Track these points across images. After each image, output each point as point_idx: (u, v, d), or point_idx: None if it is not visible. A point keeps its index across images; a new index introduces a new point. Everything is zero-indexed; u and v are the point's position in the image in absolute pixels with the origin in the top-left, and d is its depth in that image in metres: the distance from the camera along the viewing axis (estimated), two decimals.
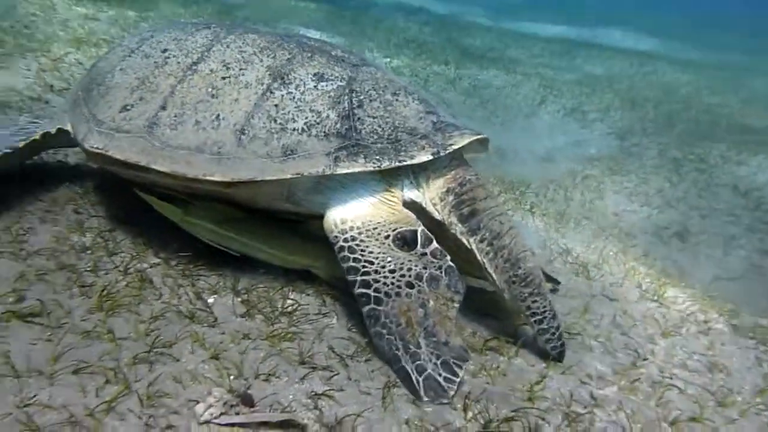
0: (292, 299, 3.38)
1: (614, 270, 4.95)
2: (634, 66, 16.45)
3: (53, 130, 3.84)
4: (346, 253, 3.25)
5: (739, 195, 7.51)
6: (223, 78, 3.54)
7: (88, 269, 3.23)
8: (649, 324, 4.15)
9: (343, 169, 3.21)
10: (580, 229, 5.81)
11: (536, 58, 15.56)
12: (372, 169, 3.23)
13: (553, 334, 3.31)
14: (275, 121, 3.34)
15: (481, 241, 3.42)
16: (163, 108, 3.50)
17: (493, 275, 3.41)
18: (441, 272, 3.21)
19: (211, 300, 3.24)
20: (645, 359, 3.68)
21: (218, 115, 3.40)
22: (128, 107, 3.58)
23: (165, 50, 3.83)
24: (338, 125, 3.32)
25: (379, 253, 3.24)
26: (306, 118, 3.34)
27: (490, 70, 12.80)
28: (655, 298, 4.56)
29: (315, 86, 3.47)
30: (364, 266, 3.19)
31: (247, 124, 3.34)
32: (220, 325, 3.04)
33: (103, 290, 3.05)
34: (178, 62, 3.70)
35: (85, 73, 4.23)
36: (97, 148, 3.50)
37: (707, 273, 5.44)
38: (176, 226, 3.53)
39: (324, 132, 3.30)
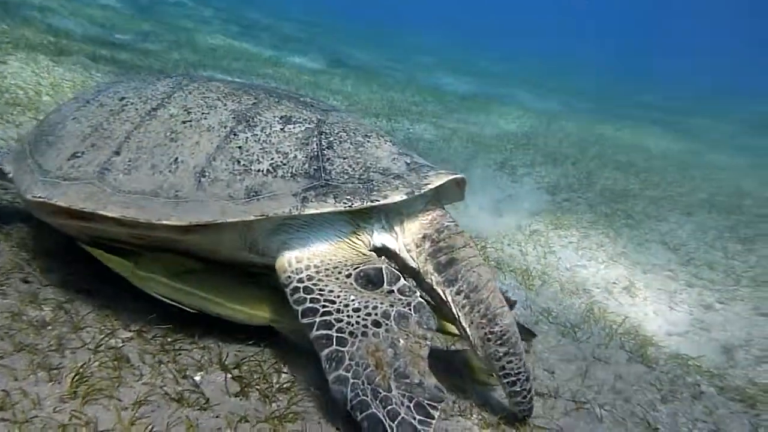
0: (286, 372, 3.11)
1: (594, 330, 4.97)
2: (543, 124, 16.96)
3: None
4: (301, 294, 2.99)
5: (670, 251, 7.78)
6: (184, 122, 3.35)
7: (52, 349, 2.83)
8: (646, 390, 4.14)
9: (311, 210, 3.01)
10: (546, 286, 5.81)
11: (455, 113, 15.78)
12: (342, 209, 3.04)
13: (524, 397, 3.13)
14: (238, 162, 3.16)
15: (458, 293, 3.23)
16: (117, 153, 3.27)
17: (468, 330, 3.21)
18: (410, 309, 2.96)
19: (197, 377, 2.91)
20: (656, 429, 3.64)
21: (176, 158, 3.19)
22: (78, 154, 3.34)
23: (123, 98, 3.63)
24: (306, 165, 3.16)
25: (340, 292, 3.00)
26: (272, 159, 3.17)
27: (420, 123, 12.93)
28: (640, 359, 4.58)
29: (282, 128, 3.32)
30: (324, 306, 2.93)
31: (208, 166, 3.15)
32: (213, 408, 2.71)
33: (74, 374, 2.65)
34: (136, 109, 3.50)
35: (34, 126, 4.02)
36: (39, 197, 3.21)
37: (661, 328, 5.57)
38: (144, 294, 3.22)
39: (291, 172, 3.13)
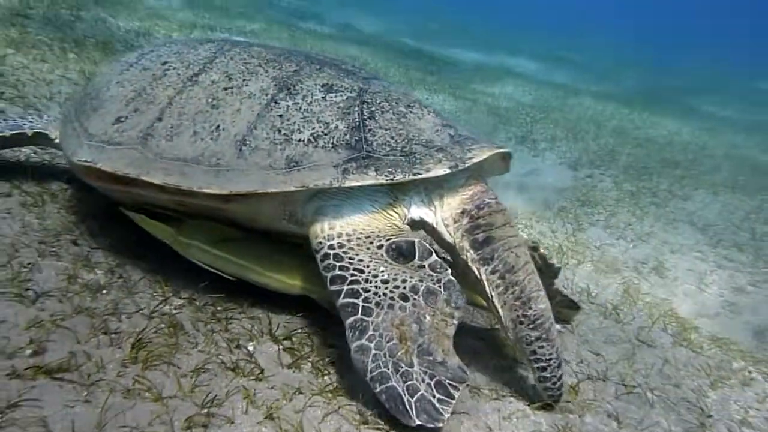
0: (334, 346, 3.07)
1: (634, 311, 4.87)
2: (559, 98, 16.72)
3: (30, 133, 3.75)
4: (331, 260, 2.94)
5: (698, 231, 7.67)
6: (225, 89, 3.31)
7: (109, 313, 2.84)
8: (694, 375, 4.03)
9: (352, 182, 2.95)
10: (582, 266, 5.72)
11: (471, 84, 15.59)
12: (384, 182, 2.97)
13: (554, 383, 3.03)
14: (279, 131, 3.11)
15: (493, 272, 3.11)
16: (159, 119, 3.25)
17: (500, 311, 3.11)
18: (439, 286, 2.86)
19: (250, 347, 2.92)
20: (710, 416, 3.55)
21: (218, 126, 3.16)
22: (122, 119, 3.33)
23: (165, 63, 3.59)
24: (347, 136, 3.09)
25: (370, 262, 2.94)
26: (313, 129, 3.11)
27: (439, 93, 12.77)
28: (685, 343, 4.49)
29: (323, 97, 3.25)
30: (352, 275, 2.88)
31: (249, 134, 3.11)
32: (268, 379, 2.72)
33: (134, 339, 2.67)
34: (178, 74, 3.47)
35: (80, 89, 4.00)
36: (84, 161, 3.23)
37: (691, 310, 5.48)
38: (187, 260, 3.23)
39: (332, 143, 3.06)
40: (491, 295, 3.13)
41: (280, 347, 2.98)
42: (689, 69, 31.29)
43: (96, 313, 2.82)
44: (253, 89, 3.31)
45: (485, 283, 3.14)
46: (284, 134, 3.12)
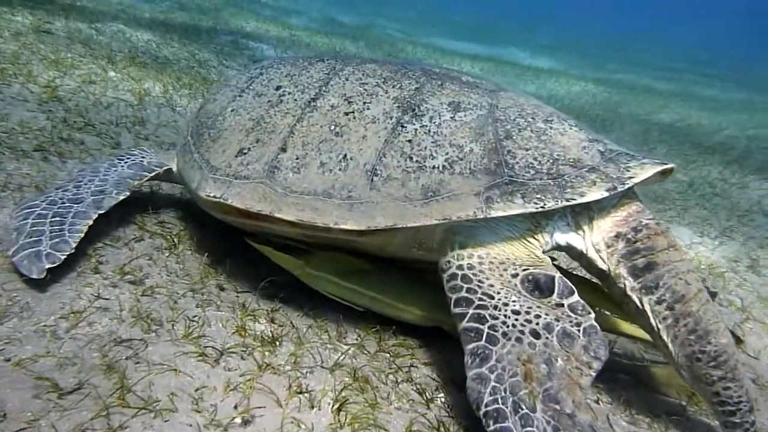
0: None
1: None
2: (563, 86, 16.34)
3: (161, 171, 3.61)
4: (458, 281, 2.70)
5: None
6: (346, 113, 3.11)
7: (292, 368, 2.63)
8: None
9: (497, 212, 2.69)
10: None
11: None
12: (534, 210, 2.70)
13: (747, 430, 2.65)
14: (411, 158, 2.89)
15: (659, 302, 2.76)
16: (283, 150, 3.07)
17: (670, 346, 2.75)
18: (578, 330, 2.53)
19: (441, 399, 2.70)
20: None
21: (345, 155, 2.96)
22: (245, 151, 3.15)
23: (278, 87, 3.40)
24: (485, 160, 2.85)
25: (501, 289, 2.67)
26: (446, 153, 2.88)
27: None
28: None
29: (452, 117, 3.01)
30: (480, 299, 2.62)
31: (379, 163, 2.90)
32: None
33: (333, 400, 2.47)
34: (295, 99, 3.27)
35: (192, 115, 3.79)
36: (214, 197, 3.07)
37: None
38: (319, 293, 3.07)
39: (469, 168, 2.83)
40: (658, 328, 2.79)
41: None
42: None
43: (281, 370, 2.62)
44: (375, 113, 3.10)
45: (649, 314, 2.81)
46: (416, 161, 2.90)
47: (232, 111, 3.44)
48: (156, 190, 4.19)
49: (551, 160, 2.87)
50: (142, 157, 3.68)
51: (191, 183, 3.29)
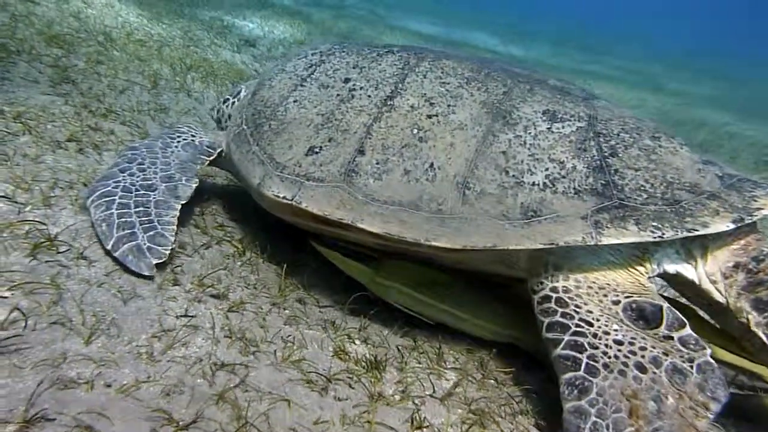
0: None
1: None
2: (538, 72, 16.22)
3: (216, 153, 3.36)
4: (551, 304, 2.45)
5: None
6: (429, 117, 2.76)
7: (402, 398, 2.34)
8: None
9: (609, 239, 2.39)
10: None
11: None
12: (650, 239, 2.40)
13: None
14: (506, 172, 2.57)
15: None
16: (361, 152, 2.73)
17: None
18: (691, 367, 2.23)
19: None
20: None
21: (431, 164, 2.64)
22: (316, 149, 2.82)
23: (347, 80, 3.04)
24: (590, 179, 2.54)
25: (600, 316, 2.40)
26: (546, 169, 2.56)
27: None
28: None
29: (548, 128, 2.69)
30: (578, 325, 2.36)
31: (471, 175, 2.58)
32: None
33: None
34: (368, 95, 2.92)
35: (245, 102, 3.41)
36: (284, 198, 2.76)
37: None
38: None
39: (574, 188, 2.52)
40: None
41: None
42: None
43: (393, 400, 2.32)
44: (462, 118, 2.75)
45: None
46: (513, 176, 2.58)
47: (295, 102, 3.08)
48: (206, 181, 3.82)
49: (665, 183, 2.56)
50: (193, 136, 3.39)
51: (251, 178, 2.96)
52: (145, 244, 2.62)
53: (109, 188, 2.88)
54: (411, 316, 2.83)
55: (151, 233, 2.69)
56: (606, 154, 2.63)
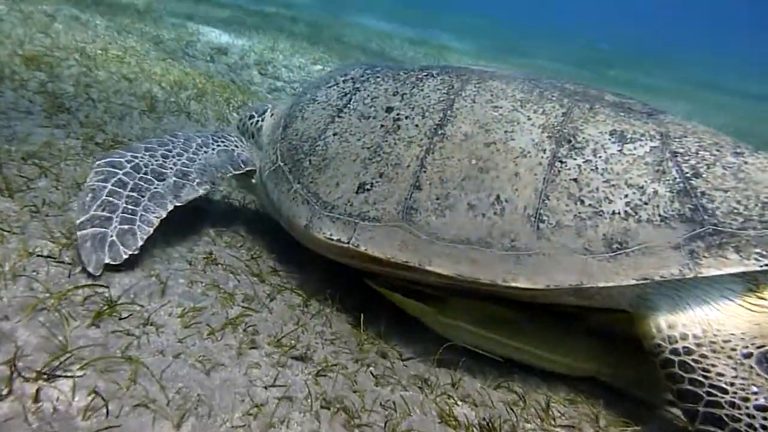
0: None
1: None
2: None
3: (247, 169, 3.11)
4: (676, 370, 2.16)
5: None
6: (487, 145, 2.49)
7: None
8: None
9: (710, 269, 2.12)
10: None
11: (421, 61, 13.95)
12: (757, 268, 2.13)
13: None
14: (582, 202, 2.30)
15: None
16: (418, 187, 2.45)
17: None
18: None
19: None
20: None
21: (497, 196, 2.35)
22: (367, 186, 2.53)
23: (389, 109, 2.76)
24: (675, 204, 2.27)
25: (734, 378, 2.10)
26: (625, 196, 2.29)
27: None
28: None
29: (619, 150, 2.42)
30: (709, 394, 2.07)
31: (543, 207, 2.31)
32: None
33: None
34: (416, 125, 2.64)
35: (276, 136, 3.12)
36: (338, 240, 2.48)
37: None
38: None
39: (659, 215, 2.25)
40: None
41: None
42: None
43: None
44: (522, 144, 2.47)
45: None
46: (590, 205, 2.30)
47: (335, 135, 2.79)
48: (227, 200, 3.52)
49: (760, 203, 2.29)
50: (234, 147, 3.14)
51: (297, 219, 2.68)
52: (111, 236, 2.39)
53: (122, 160, 2.70)
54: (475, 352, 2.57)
55: (125, 227, 2.46)
56: (687, 174, 2.37)
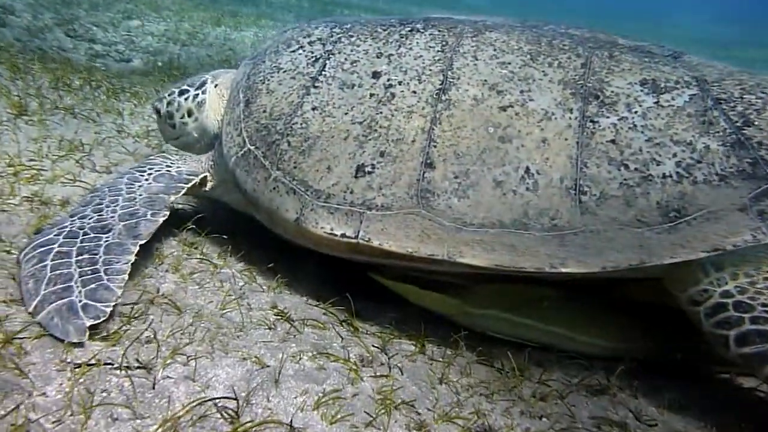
0: None
1: None
2: None
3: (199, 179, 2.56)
4: (731, 312, 1.86)
5: None
6: (503, 109, 2.05)
7: None
8: None
9: None
10: None
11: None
12: None
13: None
14: (626, 166, 1.91)
15: None
16: (429, 165, 1.99)
17: None
18: None
19: None
20: None
21: (527, 168, 1.93)
22: (367, 168, 2.06)
23: (376, 74, 2.26)
24: (733, 159, 1.91)
25: None
26: (674, 155, 1.92)
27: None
28: None
29: (656, 102, 2.04)
30: None
31: (582, 176, 1.91)
32: None
33: None
34: (413, 92, 2.16)
35: (238, 113, 2.51)
36: (343, 236, 2.02)
37: None
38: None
39: (716, 173, 1.88)
40: None
41: None
42: None
43: None
44: (544, 105, 2.05)
45: None
46: (636, 169, 1.91)
47: (314, 110, 2.27)
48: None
49: None
50: (168, 166, 2.68)
51: (281, 212, 2.20)
52: (80, 301, 2.00)
53: (50, 236, 2.28)
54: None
55: (93, 286, 2.07)
56: (738, 124, 2.00)
